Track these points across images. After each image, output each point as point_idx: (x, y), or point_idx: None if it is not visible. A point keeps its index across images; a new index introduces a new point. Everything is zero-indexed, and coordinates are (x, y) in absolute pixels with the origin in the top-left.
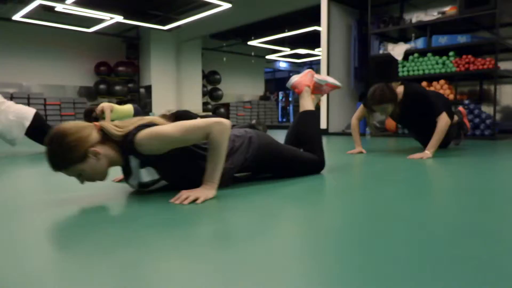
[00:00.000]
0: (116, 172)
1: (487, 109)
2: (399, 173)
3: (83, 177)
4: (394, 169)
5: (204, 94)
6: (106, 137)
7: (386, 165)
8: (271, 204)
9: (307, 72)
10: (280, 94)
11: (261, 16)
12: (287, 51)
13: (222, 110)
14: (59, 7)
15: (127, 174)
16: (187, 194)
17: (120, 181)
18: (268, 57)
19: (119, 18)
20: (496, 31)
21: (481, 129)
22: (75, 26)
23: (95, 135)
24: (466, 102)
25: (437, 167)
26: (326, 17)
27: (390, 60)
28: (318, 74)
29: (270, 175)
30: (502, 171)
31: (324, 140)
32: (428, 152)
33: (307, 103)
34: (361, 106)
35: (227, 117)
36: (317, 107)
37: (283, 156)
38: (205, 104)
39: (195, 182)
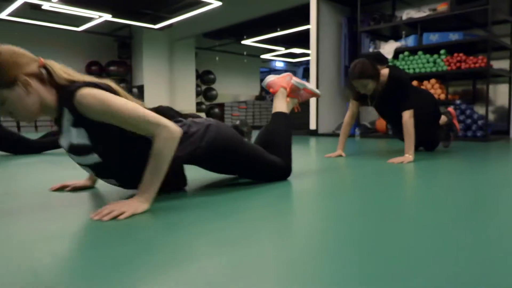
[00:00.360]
0: (54, 180)
1: (480, 109)
2: (379, 178)
3: (4, 108)
4: (376, 173)
5: (198, 94)
6: (48, 78)
7: (367, 169)
8: (219, 225)
9: (285, 74)
10: None
11: (253, 15)
12: (282, 50)
13: (216, 110)
14: (45, 5)
15: (60, 132)
16: (110, 209)
17: (57, 190)
18: (262, 56)
19: (107, 17)
20: (489, 28)
21: (473, 130)
22: (64, 25)
23: (33, 68)
24: (458, 102)
25: (422, 172)
26: (316, 14)
27: (380, 58)
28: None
29: (229, 183)
30: (492, 173)
31: (313, 141)
32: (408, 155)
33: (280, 105)
34: (351, 100)
35: (222, 117)
36: (292, 111)
37: (244, 154)
38: (199, 104)
39: (132, 168)
